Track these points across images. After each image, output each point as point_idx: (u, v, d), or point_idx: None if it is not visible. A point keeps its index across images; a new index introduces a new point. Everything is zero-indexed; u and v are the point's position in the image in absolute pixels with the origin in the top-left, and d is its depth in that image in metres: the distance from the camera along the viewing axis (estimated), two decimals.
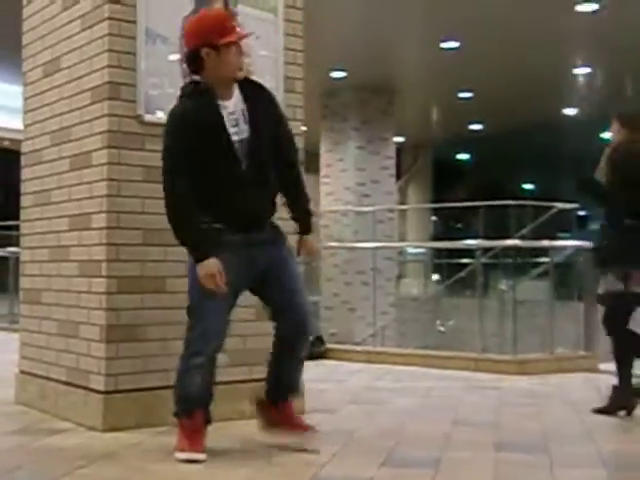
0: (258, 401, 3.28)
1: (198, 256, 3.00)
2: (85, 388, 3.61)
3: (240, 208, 3.05)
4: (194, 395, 3.08)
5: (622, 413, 4.09)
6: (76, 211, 3.78)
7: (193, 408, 3.08)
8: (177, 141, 3.02)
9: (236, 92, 3.10)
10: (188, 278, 3.13)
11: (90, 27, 3.69)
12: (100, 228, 3.58)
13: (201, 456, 3.01)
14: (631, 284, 4.08)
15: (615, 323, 4.17)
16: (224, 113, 3.04)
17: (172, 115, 3.07)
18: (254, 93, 3.13)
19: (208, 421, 3.13)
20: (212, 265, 2.96)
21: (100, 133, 3.60)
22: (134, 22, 3.61)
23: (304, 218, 3.26)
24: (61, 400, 3.78)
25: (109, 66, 3.56)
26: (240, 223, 3.07)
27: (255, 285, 3.17)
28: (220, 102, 3.05)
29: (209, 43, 3.00)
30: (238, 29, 3.19)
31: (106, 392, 3.50)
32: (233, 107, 3.07)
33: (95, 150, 3.63)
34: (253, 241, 3.08)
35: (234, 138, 3.04)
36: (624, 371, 4.14)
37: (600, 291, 4.27)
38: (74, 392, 3.67)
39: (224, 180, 3.04)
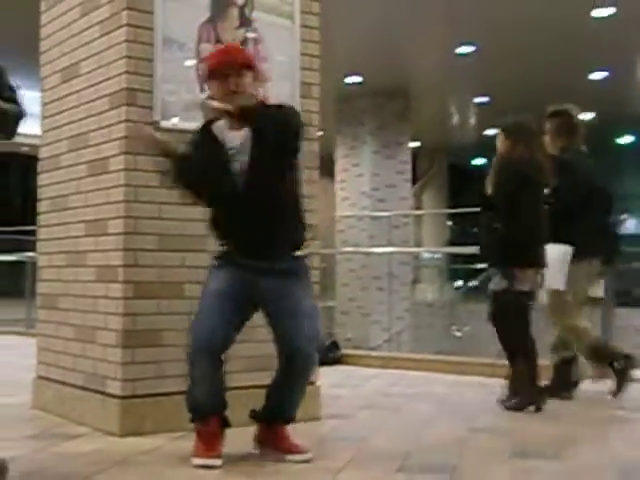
0: (254, 413, 3.26)
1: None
2: (102, 393, 3.63)
3: (243, 239, 3.08)
4: (204, 402, 3.08)
5: (532, 408, 4.26)
6: (93, 217, 3.80)
7: (205, 414, 3.08)
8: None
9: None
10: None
11: (108, 33, 3.71)
12: (117, 234, 3.60)
13: (216, 462, 3.01)
14: (516, 282, 4.32)
15: (505, 320, 4.38)
16: (227, 142, 3.06)
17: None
18: (260, 120, 3.02)
19: (225, 425, 3.13)
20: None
21: (117, 139, 3.62)
22: (151, 29, 3.63)
23: None
24: (78, 405, 3.80)
25: (127, 72, 3.59)
26: (246, 252, 3.08)
27: (262, 309, 3.17)
28: (226, 134, 3.07)
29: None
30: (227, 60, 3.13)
31: (123, 397, 3.51)
32: (239, 139, 3.05)
33: (112, 156, 3.66)
34: (262, 269, 3.07)
35: (236, 168, 3.04)
36: (520, 366, 4.33)
37: (489, 289, 4.53)
38: (91, 397, 3.69)
39: (230, 209, 3.07)
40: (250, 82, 3.11)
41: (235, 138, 3.06)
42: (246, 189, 3.03)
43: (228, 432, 3.14)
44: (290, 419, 3.23)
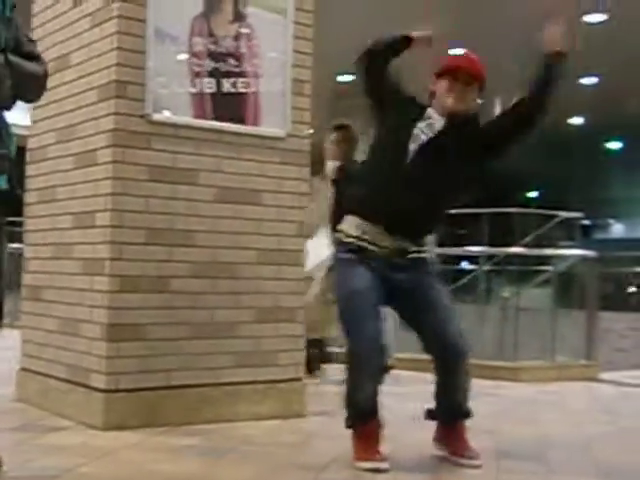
0: (428, 412, 3.27)
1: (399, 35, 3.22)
2: (86, 386, 3.61)
3: (395, 213, 3.03)
4: (367, 405, 3.06)
5: None
6: (80, 209, 3.78)
7: (367, 417, 3.06)
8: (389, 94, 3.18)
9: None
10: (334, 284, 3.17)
11: (99, 24, 3.69)
12: (104, 226, 3.58)
13: (384, 465, 2.97)
14: None
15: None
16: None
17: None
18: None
19: (380, 426, 3.11)
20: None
21: (106, 131, 3.60)
22: (143, 21, 3.61)
23: None
24: (62, 398, 3.78)
25: (117, 64, 3.57)
26: (387, 221, 3.04)
27: (397, 306, 3.15)
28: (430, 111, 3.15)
29: None
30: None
31: (107, 391, 3.49)
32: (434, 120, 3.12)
33: (101, 148, 3.64)
34: (395, 264, 3.05)
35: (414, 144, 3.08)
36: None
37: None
38: (75, 390, 3.67)
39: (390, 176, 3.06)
40: (474, 97, 3.15)
41: (431, 118, 3.11)
42: (417, 170, 3.03)
43: (214, 428, 3.13)
44: (467, 414, 3.22)
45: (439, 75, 3.16)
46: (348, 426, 3.10)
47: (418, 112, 3.13)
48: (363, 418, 3.07)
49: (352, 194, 3.26)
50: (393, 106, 3.15)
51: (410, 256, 3.10)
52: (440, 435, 3.26)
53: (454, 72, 3.12)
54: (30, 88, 2.64)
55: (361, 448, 3.04)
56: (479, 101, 3.19)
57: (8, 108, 2.58)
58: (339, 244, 3.16)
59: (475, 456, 3.14)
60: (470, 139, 3.10)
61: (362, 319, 3.00)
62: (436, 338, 3.08)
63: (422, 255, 3.15)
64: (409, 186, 3.01)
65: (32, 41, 2.71)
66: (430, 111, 3.14)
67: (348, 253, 3.08)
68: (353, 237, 3.08)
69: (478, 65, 3.20)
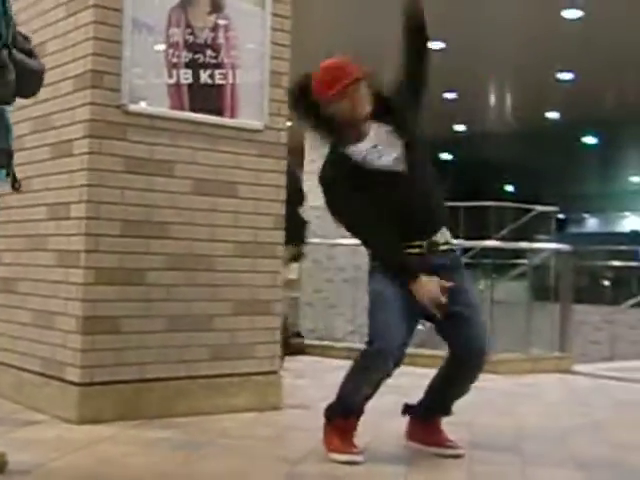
0: (409, 409, 3.27)
1: (411, 274, 2.98)
2: (61, 380, 3.58)
3: (410, 220, 3.02)
4: (358, 402, 3.07)
5: None
6: (55, 200, 3.74)
7: (351, 414, 3.07)
8: (345, 205, 3.08)
9: (373, 125, 3.08)
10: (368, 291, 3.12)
11: (75, 14, 3.65)
12: (79, 218, 3.55)
13: (360, 458, 2.99)
14: None
15: None
16: (360, 152, 3.04)
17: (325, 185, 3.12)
18: (381, 110, 3.09)
19: (358, 420, 3.12)
20: (429, 282, 2.95)
21: (82, 122, 3.57)
22: (120, 10, 3.57)
23: None
24: (36, 391, 3.74)
25: (93, 54, 3.53)
26: (413, 233, 3.04)
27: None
28: (352, 148, 3.05)
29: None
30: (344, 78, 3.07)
31: (82, 384, 3.47)
32: (374, 140, 3.06)
33: (76, 139, 3.60)
34: (431, 264, 3.02)
35: (384, 163, 3.03)
36: None
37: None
38: (49, 383, 3.64)
39: (393, 203, 3.03)
40: (366, 91, 3.07)
41: (366, 141, 3.06)
42: (411, 180, 3.04)
43: (191, 421, 3.12)
44: (449, 412, 3.23)
45: (325, 103, 3.05)
46: (327, 417, 3.10)
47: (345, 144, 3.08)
48: (347, 415, 3.08)
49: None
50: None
51: (442, 248, 3.09)
52: (415, 430, 3.26)
53: (332, 96, 3.02)
54: (30, 84, 2.68)
55: (338, 441, 3.04)
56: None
57: (9, 103, 2.63)
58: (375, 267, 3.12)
59: (458, 445, 3.18)
60: (403, 112, 3.10)
61: (387, 322, 2.99)
62: (463, 339, 3.07)
63: (453, 247, 3.15)
64: (409, 192, 3.04)
65: (27, 38, 2.73)
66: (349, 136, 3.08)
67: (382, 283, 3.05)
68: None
69: (344, 70, 3.08)
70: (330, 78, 3.05)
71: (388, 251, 3.07)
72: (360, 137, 3.08)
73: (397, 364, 3.03)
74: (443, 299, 2.96)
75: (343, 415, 3.08)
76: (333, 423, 3.09)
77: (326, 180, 3.10)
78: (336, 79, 3.03)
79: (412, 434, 3.27)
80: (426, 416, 3.24)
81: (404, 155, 3.06)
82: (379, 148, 3.07)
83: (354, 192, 3.03)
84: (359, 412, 3.10)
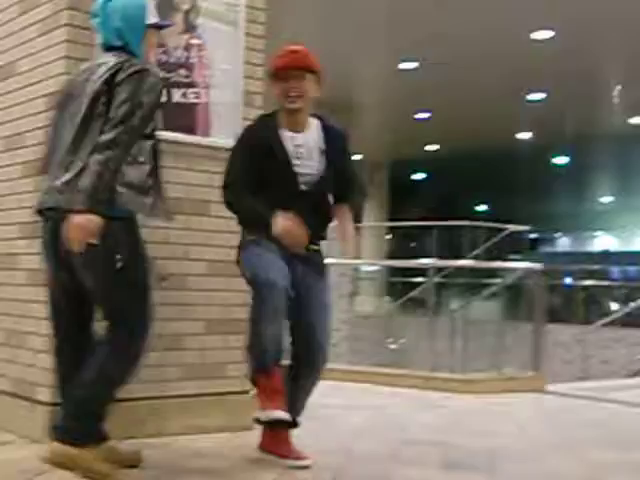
0: (258, 420, 3.22)
1: (269, 215, 3.05)
2: (31, 400, 3.53)
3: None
4: (271, 350, 3.00)
5: None
6: (27, 219, 3.70)
7: (269, 364, 3.00)
8: (239, 159, 3.19)
9: (313, 129, 3.25)
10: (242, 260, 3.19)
11: (47, 33, 3.63)
12: None
13: (284, 415, 2.98)
14: None
15: None
16: (287, 139, 3.17)
17: (239, 136, 3.29)
18: (334, 138, 3.31)
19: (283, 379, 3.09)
20: (287, 219, 3.03)
21: None
22: (93, 29, 3.56)
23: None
24: (5, 411, 3.69)
25: (66, 73, 3.51)
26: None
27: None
28: (285, 131, 3.18)
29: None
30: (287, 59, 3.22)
31: (52, 404, 3.42)
32: (302, 141, 3.19)
33: None
34: (296, 255, 3.12)
35: (296, 167, 3.15)
36: None
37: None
38: (19, 404, 3.59)
39: (280, 197, 3.10)
40: (312, 87, 3.22)
41: (297, 137, 3.19)
42: (310, 189, 3.17)
43: (162, 442, 3.08)
44: (296, 423, 3.21)
45: (271, 79, 3.21)
46: (251, 380, 3.08)
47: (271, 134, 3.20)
48: (264, 368, 3.00)
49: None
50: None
51: (311, 247, 3.18)
52: (268, 441, 3.23)
53: (281, 73, 3.17)
54: None
55: (264, 398, 3.02)
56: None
57: None
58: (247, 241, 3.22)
59: (305, 456, 3.17)
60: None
61: (268, 262, 3.03)
62: (309, 333, 3.13)
63: (318, 249, 3.25)
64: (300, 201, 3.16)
65: None
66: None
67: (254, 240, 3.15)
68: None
69: (305, 57, 3.21)
70: (286, 57, 3.20)
71: (248, 202, 3.16)
72: (293, 128, 3.18)
73: (287, 295, 3.00)
74: (302, 234, 3.04)
75: (262, 370, 3.02)
76: (258, 385, 3.05)
77: (242, 132, 3.31)
78: (304, 58, 3.18)
79: (263, 444, 3.26)
80: (273, 426, 3.18)
81: (321, 172, 3.17)
82: (301, 151, 3.17)
83: (251, 153, 3.16)
84: (275, 361, 3.03)
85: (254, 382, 3.08)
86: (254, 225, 3.17)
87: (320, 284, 3.22)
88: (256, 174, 3.16)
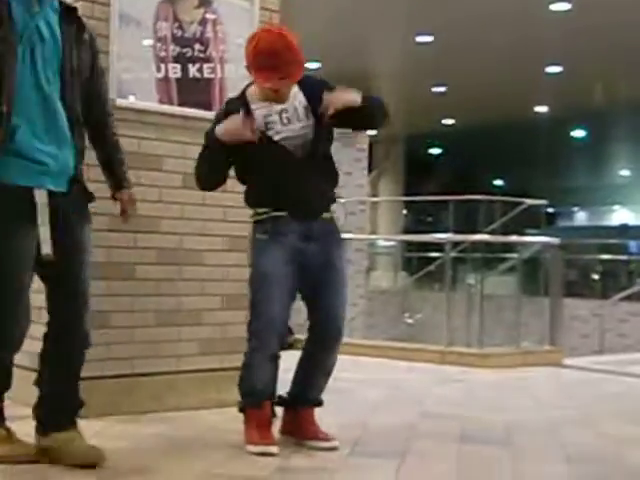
0: (280, 399, 3.23)
1: (212, 136, 3.06)
2: None
3: (293, 196, 3.04)
4: (261, 387, 3.07)
5: None
6: None
7: (262, 400, 3.06)
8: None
9: (295, 92, 3.10)
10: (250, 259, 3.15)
11: None
12: None
13: (273, 449, 2.98)
14: None
15: None
16: (259, 111, 3.06)
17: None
18: (311, 87, 3.15)
19: (273, 414, 3.12)
20: (229, 119, 3.00)
21: None
22: (107, 4, 3.56)
23: None
24: (25, 386, 3.72)
25: None
26: (294, 210, 3.05)
27: (305, 279, 3.10)
28: (258, 103, 3.07)
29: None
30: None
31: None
32: (286, 105, 3.07)
33: None
34: (309, 234, 3.07)
35: (278, 134, 3.05)
36: None
37: None
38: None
39: (275, 171, 3.04)
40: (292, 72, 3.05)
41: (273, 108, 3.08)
42: (305, 150, 3.06)
43: (180, 416, 3.11)
44: (319, 402, 3.21)
45: (249, 67, 3.02)
46: (240, 409, 3.10)
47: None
48: (257, 401, 3.05)
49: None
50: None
51: (322, 217, 3.12)
52: (289, 423, 3.22)
53: (259, 59, 2.98)
54: None
55: (253, 432, 3.03)
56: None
57: None
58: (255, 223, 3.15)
59: (332, 437, 3.15)
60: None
61: (266, 304, 3.03)
62: (328, 315, 3.11)
63: (331, 216, 3.17)
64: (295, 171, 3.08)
65: None
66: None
67: (261, 234, 3.09)
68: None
69: (281, 40, 3.02)
70: (272, 59, 2.97)
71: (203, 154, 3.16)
72: (276, 100, 3.06)
73: (281, 335, 3.07)
74: (247, 128, 2.98)
75: (253, 403, 3.06)
76: (247, 415, 3.08)
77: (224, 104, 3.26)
78: (277, 64, 2.96)
79: (284, 427, 3.24)
80: (300, 404, 3.20)
81: (313, 130, 3.07)
82: (287, 116, 3.08)
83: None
84: (267, 396, 3.08)
85: (241, 410, 3.11)
86: (212, 161, 3.12)
87: (335, 257, 3.14)
88: (242, 162, 3.11)
